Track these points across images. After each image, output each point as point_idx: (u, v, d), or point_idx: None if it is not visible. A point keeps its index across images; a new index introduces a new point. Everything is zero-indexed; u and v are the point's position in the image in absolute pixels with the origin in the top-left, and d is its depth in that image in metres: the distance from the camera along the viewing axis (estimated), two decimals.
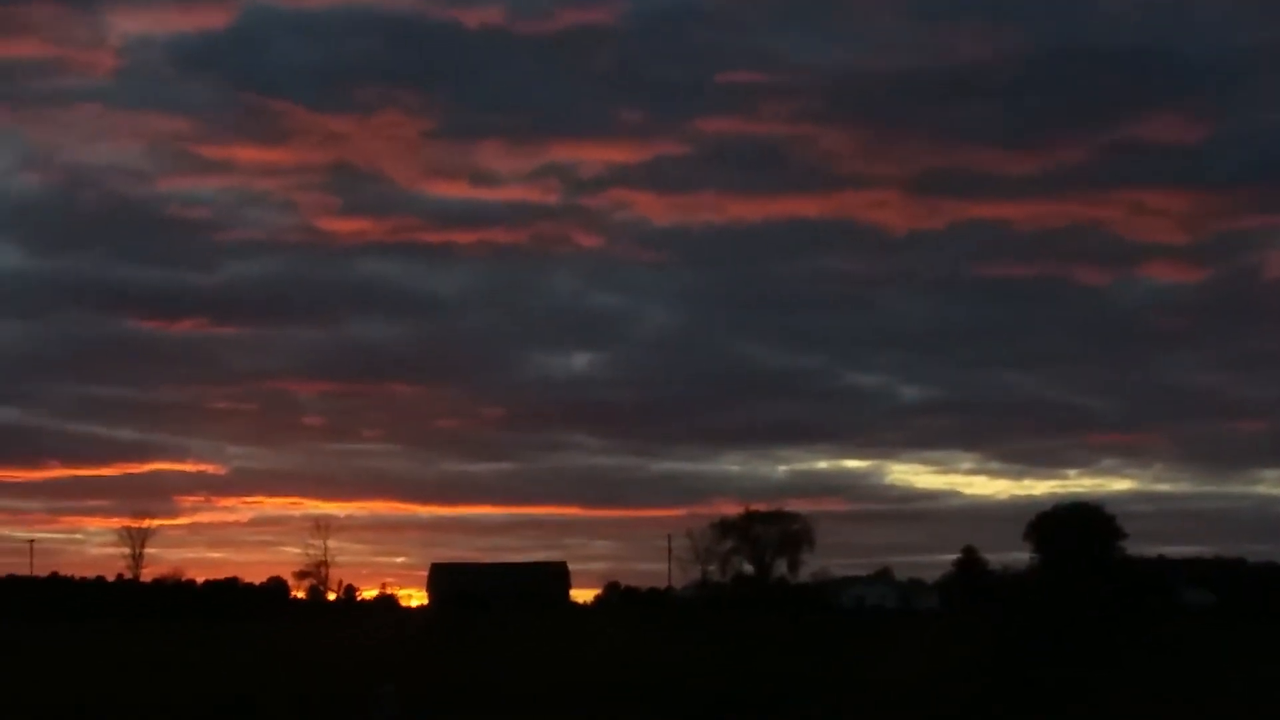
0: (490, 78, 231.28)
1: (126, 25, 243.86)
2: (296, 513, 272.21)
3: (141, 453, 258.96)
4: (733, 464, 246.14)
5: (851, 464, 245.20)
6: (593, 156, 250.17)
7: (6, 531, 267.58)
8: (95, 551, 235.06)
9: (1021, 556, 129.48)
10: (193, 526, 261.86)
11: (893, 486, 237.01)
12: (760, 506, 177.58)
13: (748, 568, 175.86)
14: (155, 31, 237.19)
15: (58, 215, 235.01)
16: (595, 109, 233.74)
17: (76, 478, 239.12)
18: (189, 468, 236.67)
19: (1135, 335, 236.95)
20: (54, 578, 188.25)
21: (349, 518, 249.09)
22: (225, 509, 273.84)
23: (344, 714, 34.61)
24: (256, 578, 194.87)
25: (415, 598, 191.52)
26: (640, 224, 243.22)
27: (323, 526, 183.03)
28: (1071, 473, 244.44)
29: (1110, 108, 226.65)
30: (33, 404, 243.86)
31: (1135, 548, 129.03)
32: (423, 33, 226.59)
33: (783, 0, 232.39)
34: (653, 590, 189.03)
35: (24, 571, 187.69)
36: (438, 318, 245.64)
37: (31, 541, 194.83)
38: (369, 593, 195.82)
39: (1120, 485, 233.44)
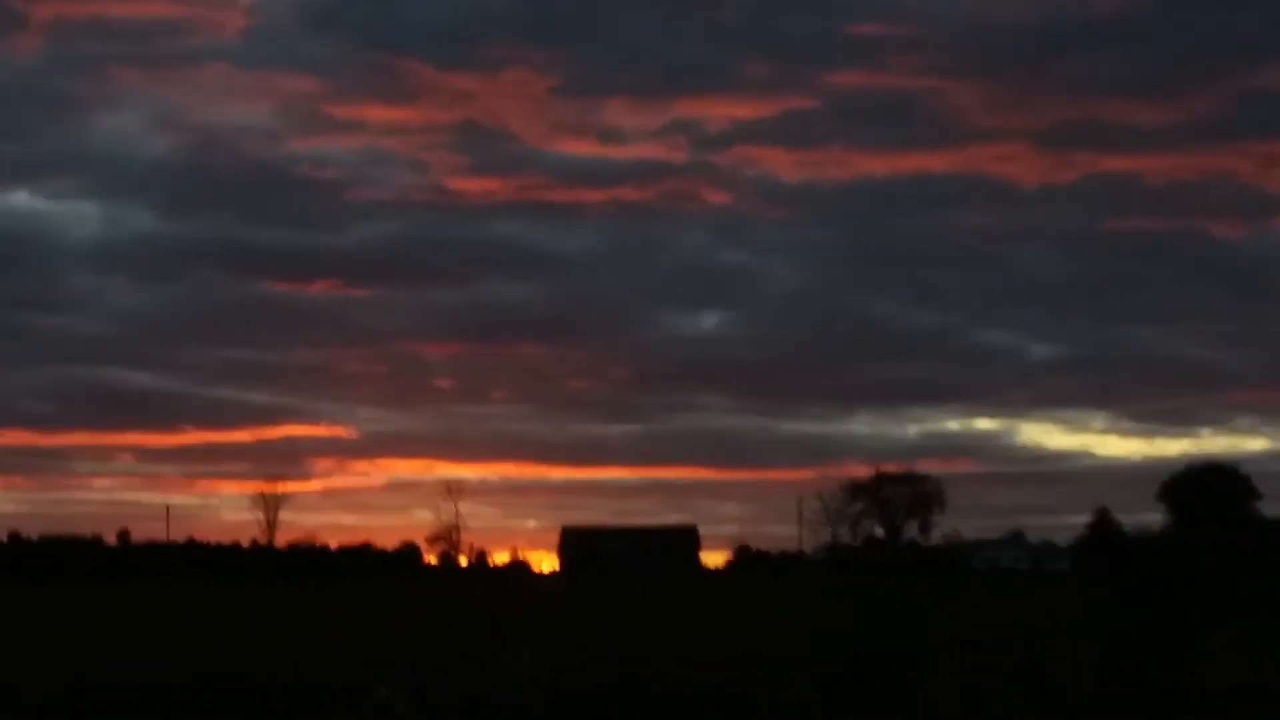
0: (617, 33, 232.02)
1: None
2: (428, 476, 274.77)
3: (274, 416, 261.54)
4: (862, 424, 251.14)
5: (982, 424, 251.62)
6: (720, 112, 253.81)
7: (143, 496, 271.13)
8: (230, 516, 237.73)
9: (1155, 518, 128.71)
10: (326, 491, 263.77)
11: (1024, 447, 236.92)
12: (890, 468, 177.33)
13: (878, 530, 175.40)
14: None
15: (188, 177, 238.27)
16: (722, 63, 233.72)
17: (210, 442, 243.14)
18: (321, 431, 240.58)
19: (1271, 290, 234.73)
20: (190, 543, 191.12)
21: (480, 481, 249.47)
22: (358, 473, 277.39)
23: (479, 675, 35.34)
24: (389, 543, 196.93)
25: (546, 562, 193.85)
26: (768, 180, 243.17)
27: (454, 490, 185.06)
28: (1205, 431, 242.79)
29: (1246, 56, 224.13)
30: (166, 368, 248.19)
31: (1271, 509, 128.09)
32: None
33: None
34: (783, 554, 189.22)
35: (161, 536, 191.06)
36: (566, 277, 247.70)
37: (168, 506, 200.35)
38: (500, 558, 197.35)
39: (1255, 444, 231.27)
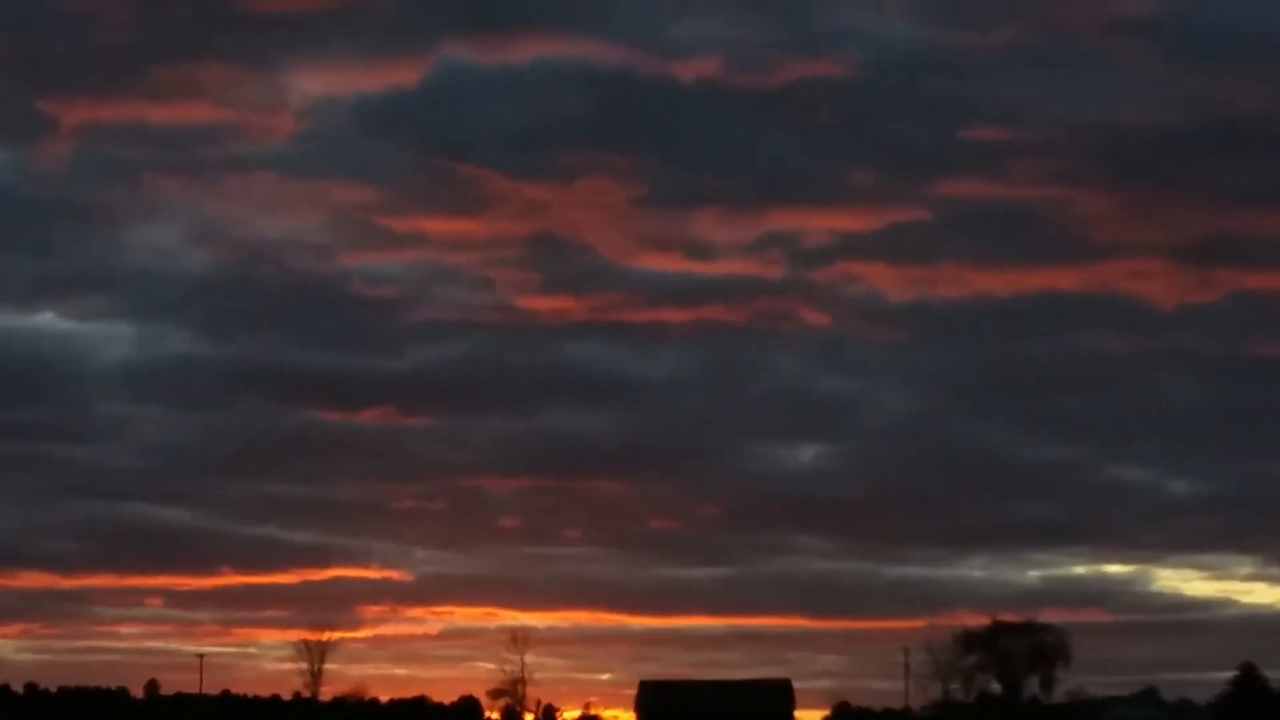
0: (706, 138, 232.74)
1: (307, 86, 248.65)
2: (491, 624, 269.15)
3: (321, 557, 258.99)
4: (977, 569, 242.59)
5: (1113, 569, 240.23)
6: (819, 224, 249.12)
7: (175, 645, 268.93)
8: (270, 667, 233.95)
9: None
10: (376, 639, 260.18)
11: (1159, 594, 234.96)
12: (1009, 617, 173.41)
13: (995, 686, 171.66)
14: (339, 92, 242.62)
15: (231, 295, 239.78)
16: (823, 171, 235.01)
17: (250, 585, 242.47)
18: (372, 574, 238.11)
19: None
20: (226, 696, 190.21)
21: (549, 629, 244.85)
22: (412, 620, 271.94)
23: None
24: (447, 696, 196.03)
25: (621, 719, 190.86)
26: (874, 299, 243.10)
27: (520, 639, 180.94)
28: None
29: None
30: (204, 504, 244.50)
31: None
32: (632, 89, 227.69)
33: (1033, 47, 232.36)
34: (887, 711, 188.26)
35: (193, 689, 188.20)
36: (648, 405, 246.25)
37: (201, 656, 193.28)
38: (570, 714, 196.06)
39: None
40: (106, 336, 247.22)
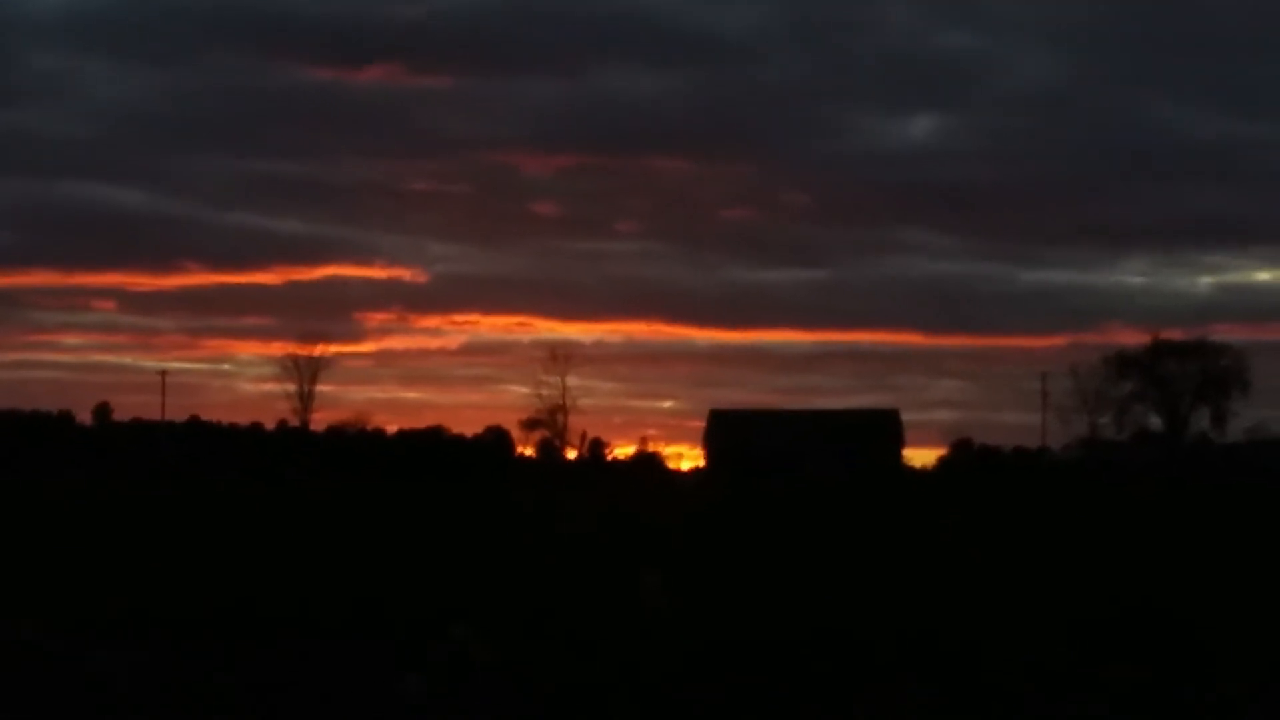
0: None
1: None
2: (524, 337, 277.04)
3: (311, 252, 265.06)
4: (1135, 274, 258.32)
5: None
6: None
7: (131, 359, 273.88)
8: (249, 388, 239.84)
9: None
10: (381, 355, 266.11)
11: None
12: (1174, 334, 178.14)
13: (1155, 421, 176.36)
14: None
15: None
16: None
17: (223, 286, 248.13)
18: (376, 273, 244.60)
19: None
20: (194, 422, 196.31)
21: (596, 345, 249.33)
22: (426, 331, 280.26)
23: (589, 610, 34.85)
24: (469, 427, 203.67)
25: (687, 458, 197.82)
26: None
27: (560, 357, 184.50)
28: None
29: None
30: (164, 183, 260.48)
31: None
32: None
33: None
34: (1019, 451, 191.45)
35: (154, 414, 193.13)
36: (720, 65, 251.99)
37: (164, 373, 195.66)
38: (624, 450, 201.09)
39: None
40: None
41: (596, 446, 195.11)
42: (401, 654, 30.02)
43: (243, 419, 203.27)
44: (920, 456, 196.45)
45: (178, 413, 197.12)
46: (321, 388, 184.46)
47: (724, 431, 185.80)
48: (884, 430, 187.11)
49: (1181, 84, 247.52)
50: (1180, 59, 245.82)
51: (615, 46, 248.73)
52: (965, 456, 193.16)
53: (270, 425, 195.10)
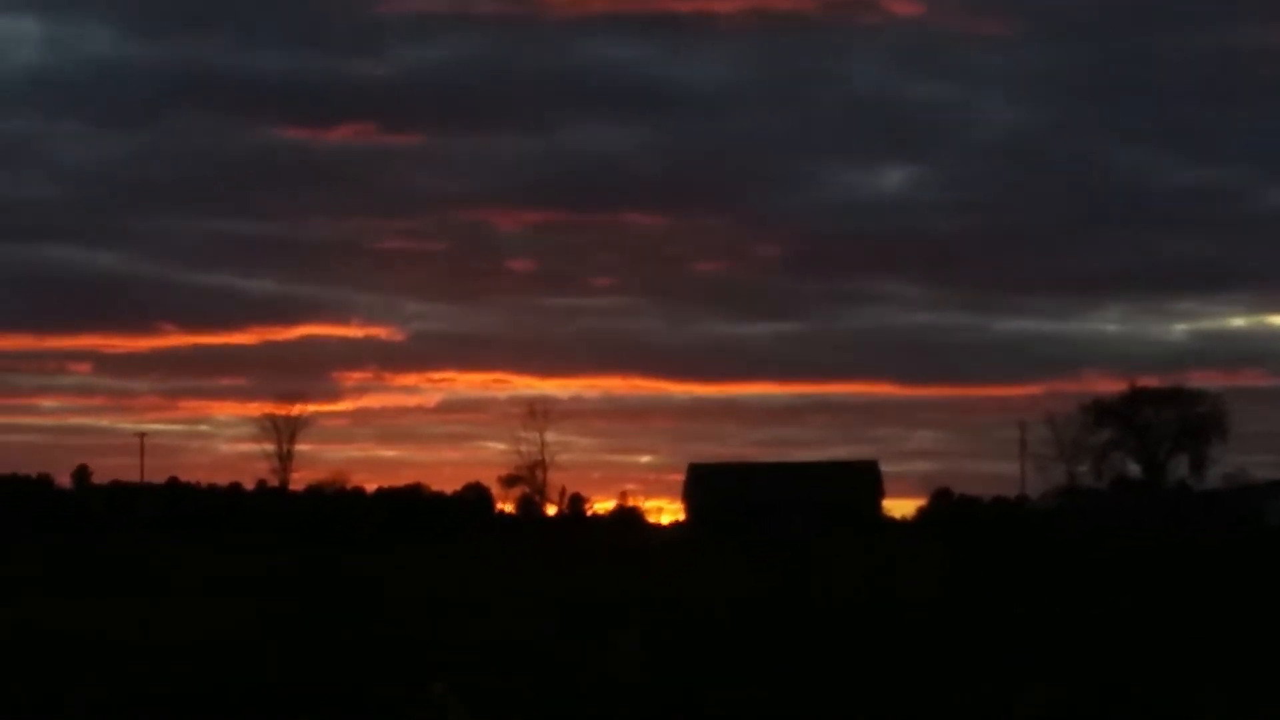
0: None
1: None
2: (502, 394, 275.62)
3: (287, 312, 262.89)
4: (1110, 322, 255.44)
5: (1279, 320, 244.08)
6: None
7: (108, 422, 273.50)
8: (227, 449, 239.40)
9: None
10: (359, 414, 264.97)
11: None
12: (1150, 382, 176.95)
13: (1132, 468, 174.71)
14: None
15: None
16: None
17: (199, 347, 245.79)
18: (352, 332, 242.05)
19: None
20: (173, 484, 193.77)
21: (573, 400, 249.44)
22: (403, 389, 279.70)
23: (569, 668, 35.65)
24: (448, 485, 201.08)
25: (667, 512, 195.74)
26: None
27: (538, 413, 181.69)
28: None
29: None
30: (139, 246, 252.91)
31: None
32: None
33: None
34: (998, 501, 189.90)
35: (133, 476, 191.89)
36: (690, 119, 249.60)
37: (142, 435, 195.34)
38: (603, 505, 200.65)
39: None
40: (11, 36, 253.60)
41: (576, 502, 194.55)
42: (382, 709, 30.69)
43: (222, 479, 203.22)
44: (900, 507, 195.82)
45: (156, 474, 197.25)
46: (300, 447, 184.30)
47: (704, 485, 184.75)
48: (863, 481, 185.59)
49: (1153, 132, 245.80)
50: (1152, 108, 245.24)
51: (586, 102, 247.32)
52: (945, 507, 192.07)
53: (250, 485, 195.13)
